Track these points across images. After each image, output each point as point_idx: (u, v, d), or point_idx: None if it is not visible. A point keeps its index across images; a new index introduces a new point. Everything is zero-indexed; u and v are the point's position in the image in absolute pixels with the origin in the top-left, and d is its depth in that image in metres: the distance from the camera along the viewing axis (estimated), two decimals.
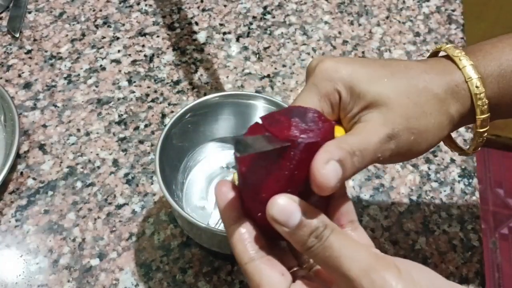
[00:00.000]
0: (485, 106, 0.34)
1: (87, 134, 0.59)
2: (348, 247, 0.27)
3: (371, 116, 0.33)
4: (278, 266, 0.30)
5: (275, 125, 0.30)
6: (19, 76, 0.63)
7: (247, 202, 0.31)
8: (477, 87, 0.34)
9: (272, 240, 0.32)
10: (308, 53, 0.67)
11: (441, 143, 0.59)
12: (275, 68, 0.66)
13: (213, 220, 0.50)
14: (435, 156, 0.59)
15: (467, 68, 0.34)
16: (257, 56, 0.67)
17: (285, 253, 0.33)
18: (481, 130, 0.36)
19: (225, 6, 0.72)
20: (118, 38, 0.68)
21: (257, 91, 0.63)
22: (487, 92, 0.34)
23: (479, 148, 0.38)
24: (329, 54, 0.68)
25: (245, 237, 0.30)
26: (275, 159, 0.29)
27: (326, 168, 0.28)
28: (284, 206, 0.28)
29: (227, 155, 0.54)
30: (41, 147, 0.57)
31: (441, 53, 0.38)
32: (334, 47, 0.68)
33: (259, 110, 0.51)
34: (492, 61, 0.35)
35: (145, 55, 0.66)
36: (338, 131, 0.35)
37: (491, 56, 0.35)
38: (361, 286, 0.26)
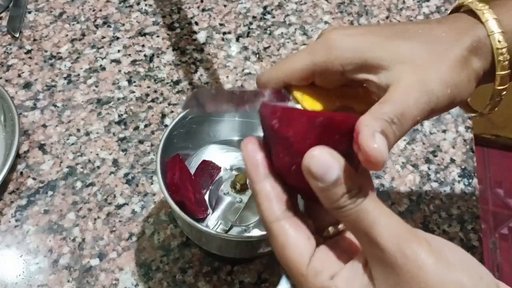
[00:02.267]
0: (506, 62, 0.33)
1: (87, 134, 0.59)
2: (381, 214, 0.26)
3: (398, 77, 0.31)
4: (304, 229, 0.29)
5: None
6: (19, 76, 0.63)
7: (277, 157, 0.29)
8: (499, 41, 0.33)
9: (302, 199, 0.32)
10: None
11: (442, 143, 0.60)
12: None
13: (212, 222, 0.50)
14: (435, 156, 0.59)
15: (490, 22, 0.33)
16: (257, 56, 0.67)
17: (306, 220, 0.31)
18: (500, 87, 0.34)
19: (225, 6, 0.72)
20: (118, 38, 0.68)
21: None
22: (510, 46, 0.33)
23: (496, 109, 0.36)
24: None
25: (271, 195, 0.29)
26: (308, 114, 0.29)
27: (376, 141, 0.27)
28: (324, 159, 0.26)
29: (230, 157, 0.53)
30: (41, 147, 0.57)
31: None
32: None
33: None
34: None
35: (145, 55, 0.66)
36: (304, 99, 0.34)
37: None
38: (392, 256, 0.25)
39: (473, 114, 0.39)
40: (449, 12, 0.39)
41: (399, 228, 0.26)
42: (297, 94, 0.34)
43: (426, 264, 0.25)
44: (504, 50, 0.33)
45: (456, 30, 0.34)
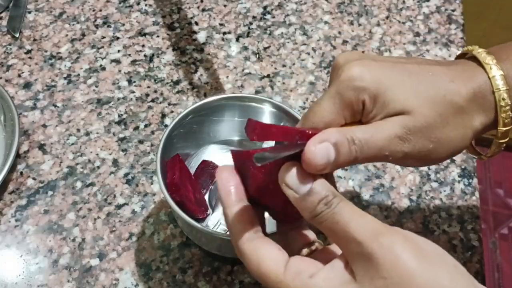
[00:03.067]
0: (509, 119, 0.34)
1: (87, 134, 0.59)
2: (356, 215, 0.28)
3: (390, 118, 0.33)
4: (274, 244, 0.31)
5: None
6: (19, 76, 0.63)
7: (256, 175, 0.31)
8: (503, 99, 0.34)
9: (279, 220, 0.34)
10: (308, 53, 0.67)
11: None
12: (275, 68, 0.66)
13: (213, 222, 0.50)
14: None
15: (497, 78, 0.34)
16: (257, 56, 0.67)
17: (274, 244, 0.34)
18: (501, 141, 0.36)
19: (225, 6, 0.72)
20: (118, 38, 0.68)
21: (257, 91, 0.63)
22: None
23: (495, 155, 0.38)
24: (355, 50, 0.67)
25: (242, 218, 0.31)
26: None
27: (317, 147, 0.29)
28: (297, 173, 0.29)
29: (230, 157, 0.53)
30: (41, 147, 0.57)
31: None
32: (334, 47, 0.68)
33: (263, 112, 0.51)
34: None
35: (145, 55, 0.66)
36: None
37: None
38: (370, 248, 0.26)
39: (475, 156, 0.41)
40: (456, 56, 0.40)
41: (374, 224, 0.28)
42: None
43: (403, 253, 0.26)
44: (507, 108, 0.34)
45: (462, 79, 0.34)
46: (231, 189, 0.32)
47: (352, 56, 0.34)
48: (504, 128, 0.35)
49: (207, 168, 0.52)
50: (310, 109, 0.34)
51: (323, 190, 0.29)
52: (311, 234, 0.35)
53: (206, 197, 0.51)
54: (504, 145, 0.36)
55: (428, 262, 0.26)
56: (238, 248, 0.31)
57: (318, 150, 0.29)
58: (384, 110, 0.33)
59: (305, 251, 0.33)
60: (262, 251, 0.30)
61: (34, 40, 0.67)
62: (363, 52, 0.68)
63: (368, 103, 0.33)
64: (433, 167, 0.58)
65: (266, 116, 0.51)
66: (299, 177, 0.29)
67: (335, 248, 0.33)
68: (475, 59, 0.35)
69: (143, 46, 0.67)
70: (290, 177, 0.29)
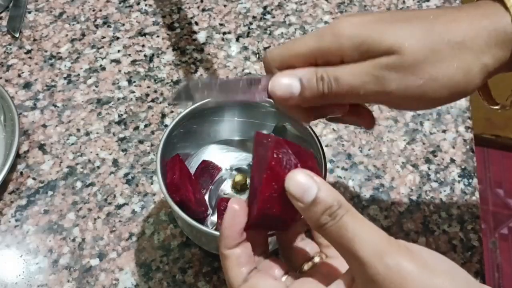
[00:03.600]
0: None
1: (87, 134, 0.59)
2: (361, 229, 0.27)
3: (374, 59, 0.32)
4: (269, 274, 0.31)
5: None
6: (19, 76, 0.63)
7: (266, 185, 0.31)
8: None
9: (279, 229, 0.34)
10: None
11: (442, 143, 0.60)
12: None
13: (212, 222, 0.50)
14: (435, 156, 0.59)
15: None
16: (257, 56, 0.67)
17: (277, 261, 0.33)
18: None
19: (225, 6, 0.72)
20: (118, 38, 0.68)
21: None
22: None
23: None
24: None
25: (240, 260, 0.31)
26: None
27: (281, 80, 0.30)
28: (301, 181, 0.28)
29: (230, 157, 0.53)
30: (41, 147, 0.57)
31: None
32: None
33: (263, 112, 0.51)
34: None
35: (145, 55, 0.66)
36: None
37: None
38: (374, 269, 0.26)
39: (495, 107, 0.38)
40: None
41: (379, 240, 0.26)
42: None
43: (409, 273, 0.25)
44: None
45: (469, 18, 0.32)
46: (235, 227, 0.31)
47: (346, 15, 0.34)
48: None
49: (207, 168, 0.52)
50: (285, 45, 0.34)
51: (329, 199, 0.28)
52: (312, 247, 0.35)
53: (206, 197, 0.51)
54: None
55: (436, 279, 0.25)
56: None
57: (281, 83, 0.30)
58: (368, 53, 0.32)
59: (306, 265, 0.33)
60: (259, 285, 0.30)
61: (34, 40, 0.67)
62: None
63: (349, 51, 0.32)
64: (433, 167, 0.58)
65: (266, 116, 0.51)
66: (304, 186, 0.28)
67: (337, 262, 0.32)
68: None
69: (143, 46, 0.67)
70: (295, 185, 0.28)
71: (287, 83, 0.30)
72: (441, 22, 0.32)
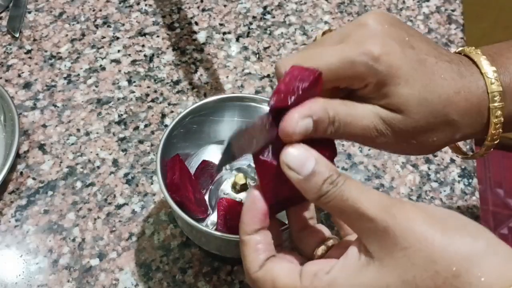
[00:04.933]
0: (499, 124, 0.34)
1: (87, 134, 0.59)
2: (364, 190, 0.28)
3: (378, 109, 0.33)
4: (284, 259, 0.31)
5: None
6: (19, 76, 0.63)
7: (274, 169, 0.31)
8: (495, 106, 0.34)
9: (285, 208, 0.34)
10: None
11: None
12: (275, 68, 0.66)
13: (212, 222, 0.50)
14: (435, 156, 0.59)
15: (494, 87, 0.33)
16: (257, 56, 0.67)
17: (290, 252, 0.33)
18: (490, 143, 0.36)
19: (225, 6, 0.72)
20: (118, 38, 0.68)
21: (257, 91, 0.63)
22: (507, 107, 0.34)
23: (485, 155, 0.38)
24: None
25: (259, 246, 0.31)
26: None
27: (299, 123, 0.29)
28: (299, 153, 0.29)
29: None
30: (41, 147, 0.57)
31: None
32: None
33: (263, 112, 0.51)
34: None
35: (145, 55, 0.66)
36: None
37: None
38: (385, 222, 0.26)
39: (460, 156, 0.41)
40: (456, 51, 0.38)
41: (382, 197, 0.28)
42: None
43: (418, 220, 0.26)
44: (499, 113, 0.34)
45: (465, 93, 0.34)
46: (256, 212, 0.31)
47: (384, 20, 0.32)
48: (495, 131, 0.35)
49: (207, 168, 0.52)
50: (317, 45, 0.33)
51: (327, 170, 0.28)
52: (325, 231, 0.34)
53: (206, 197, 0.51)
54: (492, 148, 0.37)
55: (444, 224, 0.26)
56: (250, 277, 0.31)
57: (300, 126, 0.29)
58: (382, 101, 0.32)
59: (320, 249, 0.33)
60: (274, 270, 0.30)
61: (34, 40, 0.67)
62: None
63: (371, 87, 0.32)
64: (433, 167, 0.58)
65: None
66: (301, 158, 0.28)
67: (350, 239, 0.32)
68: (473, 61, 0.35)
69: (143, 46, 0.67)
70: (292, 158, 0.28)
71: (305, 124, 0.29)
72: (448, 89, 0.33)
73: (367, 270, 0.27)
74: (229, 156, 0.32)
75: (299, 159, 0.28)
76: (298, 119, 0.29)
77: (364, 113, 0.32)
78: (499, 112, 0.34)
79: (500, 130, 0.35)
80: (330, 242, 0.33)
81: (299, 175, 0.28)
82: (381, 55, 0.31)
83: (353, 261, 0.28)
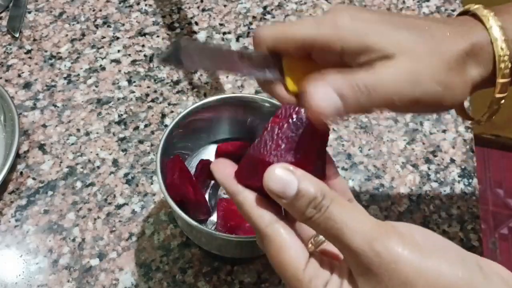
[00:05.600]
0: (507, 70, 0.33)
1: (87, 134, 0.59)
2: (348, 217, 0.26)
3: (392, 61, 0.31)
4: (297, 236, 0.29)
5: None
6: (19, 76, 0.63)
7: (245, 179, 0.31)
8: (501, 48, 0.33)
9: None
10: None
11: (442, 143, 0.60)
12: None
13: (212, 222, 0.50)
14: (435, 156, 0.59)
15: (494, 29, 0.33)
16: None
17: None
18: (499, 95, 0.34)
19: (225, 6, 0.72)
20: (118, 38, 0.68)
21: (257, 91, 0.63)
22: None
23: (493, 118, 0.36)
24: None
25: (258, 202, 0.30)
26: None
27: (321, 96, 0.28)
28: (281, 177, 0.27)
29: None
30: (41, 147, 0.57)
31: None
32: None
33: (263, 112, 0.51)
34: None
35: (145, 55, 0.66)
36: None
37: None
38: (366, 258, 0.25)
39: (470, 121, 0.39)
40: (456, 14, 0.38)
41: (367, 226, 0.26)
42: (286, 62, 0.34)
43: (400, 257, 0.25)
44: (506, 58, 0.33)
45: (460, 33, 0.33)
46: (231, 175, 0.31)
47: (345, 6, 0.33)
48: (503, 80, 0.33)
49: (207, 168, 0.52)
50: (287, 22, 0.33)
51: (311, 191, 0.27)
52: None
53: (206, 197, 0.51)
54: (502, 102, 0.35)
55: (429, 260, 0.25)
56: (261, 231, 0.29)
57: (322, 94, 0.28)
58: (372, 54, 0.31)
59: (310, 244, 0.32)
60: (285, 238, 0.28)
61: (34, 40, 0.67)
62: None
63: (352, 45, 0.32)
64: (433, 167, 0.58)
65: (266, 116, 0.51)
66: (284, 180, 0.27)
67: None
68: (474, 16, 0.35)
69: (143, 46, 0.67)
70: (274, 182, 0.27)
71: (329, 94, 0.28)
72: (438, 34, 0.33)
73: None
74: (177, 55, 0.30)
75: (281, 182, 0.27)
76: (318, 92, 0.28)
77: (386, 69, 0.31)
78: (503, 45, 0.33)
79: (509, 80, 0.33)
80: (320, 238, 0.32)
81: (283, 199, 0.27)
82: (345, 16, 0.32)
83: (343, 285, 0.27)
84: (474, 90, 0.34)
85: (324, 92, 0.29)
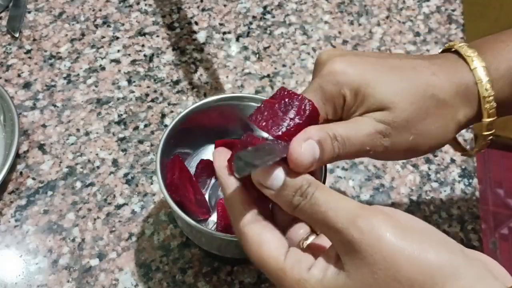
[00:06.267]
0: (493, 110, 0.34)
1: (87, 134, 0.59)
2: (333, 200, 0.28)
3: (370, 114, 0.33)
4: (276, 230, 0.31)
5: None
6: (19, 76, 0.63)
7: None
8: (486, 89, 0.34)
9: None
10: (308, 53, 0.67)
11: None
12: (275, 68, 0.66)
13: (213, 222, 0.50)
14: (435, 156, 0.59)
15: (478, 70, 0.34)
16: (257, 56, 0.67)
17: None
18: (486, 133, 0.36)
19: (225, 5, 0.72)
20: (117, 38, 0.67)
21: (257, 91, 0.63)
22: (497, 94, 0.34)
23: (483, 150, 0.38)
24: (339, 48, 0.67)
25: (244, 199, 0.31)
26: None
27: (303, 146, 0.29)
28: (267, 169, 0.29)
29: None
30: (41, 147, 0.57)
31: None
32: (334, 47, 0.68)
33: None
34: (503, 62, 0.34)
35: (144, 55, 0.66)
36: None
37: (502, 57, 0.35)
38: (350, 236, 0.26)
39: (460, 153, 0.41)
40: (440, 51, 0.40)
41: (352, 207, 0.27)
42: None
43: (383, 234, 0.25)
44: (491, 99, 0.34)
45: (445, 73, 0.34)
46: (228, 170, 0.32)
47: (335, 52, 0.35)
48: (488, 119, 0.35)
49: (207, 168, 0.52)
50: None
51: (297, 180, 0.28)
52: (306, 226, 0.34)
53: (206, 197, 0.51)
54: (490, 138, 0.36)
55: (412, 239, 0.25)
56: (238, 230, 0.31)
57: (304, 148, 0.29)
58: (364, 105, 0.33)
59: (306, 238, 0.32)
60: (264, 235, 0.30)
61: (34, 40, 0.67)
62: (362, 50, 0.68)
63: (349, 98, 0.33)
64: (433, 167, 0.58)
65: None
66: (271, 172, 0.29)
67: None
68: (457, 53, 0.36)
69: (143, 46, 0.67)
70: (262, 174, 0.29)
71: (310, 149, 0.30)
72: (423, 75, 0.34)
73: (337, 280, 0.27)
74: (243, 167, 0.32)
75: (268, 173, 0.29)
76: (301, 144, 0.29)
77: (361, 122, 0.33)
78: (488, 85, 0.34)
79: (494, 119, 0.35)
80: (311, 238, 0.33)
81: (271, 190, 0.29)
82: (342, 68, 0.33)
83: (329, 269, 0.28)
84: (459, 130, 0.36)
85: (307, 146, 0.30)
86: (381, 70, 0.34)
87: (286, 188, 0.28)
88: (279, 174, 0.29)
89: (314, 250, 0.31)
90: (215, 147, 0.48)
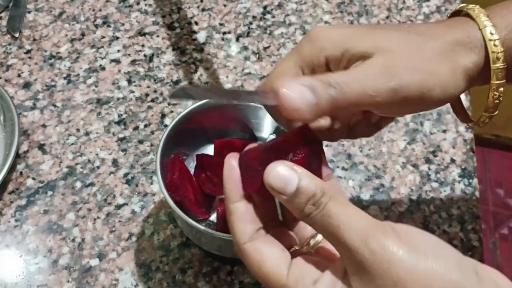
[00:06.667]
0: (500, 53, 0.32)
1: (87, 134, 0.59)
2: (346, 215, 0.27)
3: (368, 60, 0.32)
4: (277, 244, 0.30)
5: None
6: (19, 76, 0.63)
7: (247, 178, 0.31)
8: (491, 33, 0.32)
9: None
10: None
11: (442, 143, 0.59)
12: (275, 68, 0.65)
13: (212, 222, 0.50)
14: (435, 156, 0.59)
15: (481, 18, 0.33)
16: (257, 56, 0.67)
17: (285, 233, 0.33)
18: (497, 82, 0.33)
19: (225, 5, 0.72)
20: (117, 38, 0.67)
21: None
22: (503, 41, 0.33)
23: (492, 119, 0.36)
24: None
25: (245, 217, 0.30)
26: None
27: (291, 88, 0.29)
28: (282, 173, 0.28)
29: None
30: (41, 147, 0.57)
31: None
32: None
33: (263, 112, 0.51)
34: (509, 22, 0.33)
35: (144, 55, 0.66)
36: None
37: (508, 17, 0.34)
38: (360, 255, 0.25)
39: (469, 124, 0.39)
40: (449, 15, 0.39)
41: (364, 224, 0.26)
42: None
43: (395, 256, 0.25)
44: (497, 42, 0.33)
45: (444, 27, 0.34)
46: (236, 180, 0.31)
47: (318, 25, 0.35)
48: (497, 65, 0.33)
49: (206, 163, 0.51)
50: (272, 70, 0.34)
51: (311, 188, 0.27)
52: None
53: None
54: (502, 91, 0.34)
55: (424, 262, 0.25)
56: (238, 248, 0.30)
57: (294, 91, 0.29)
58: (358, 53, 0.32)
59: (312, 241, 0.32)
60: (264, 252, 0.29)
61: (34, 40, 0.67)
62: None
63: (334, 52, 0.32)
64: (433, 167, 0.58)
65: (266, 116, 0.51)
66: (284, 177, 0.28)
67: None
68: (468, 16, 0.35)
69: (143, 46, 0.67)
70: (275, 178, 0.28)
71: (300, 89, 0.29)
72: (418, 29, 0.33)
73: None
74: (186, 93, 0.31)
75: (282, 178, 0.28)
76: (289, 87, 0.29)
77: (359, 66, 0.32)
78: (493, 30, 0.33)
79: (504, 66, 0.33)
80: (320, 237, 0.32)
81: (283, 195, 0.28)
82: (320, 31, 0.33)
83: (337, 285, 0.27)
84: (471, 81, 0.34)
85: (296, 88, 0.29)
86: (368, 27, 0.33)
87: (299, 195, 0.27)
88: (292, 179, 0.28)
89: (320, 256, 0.30)
90: (215, 147, 0.48)
